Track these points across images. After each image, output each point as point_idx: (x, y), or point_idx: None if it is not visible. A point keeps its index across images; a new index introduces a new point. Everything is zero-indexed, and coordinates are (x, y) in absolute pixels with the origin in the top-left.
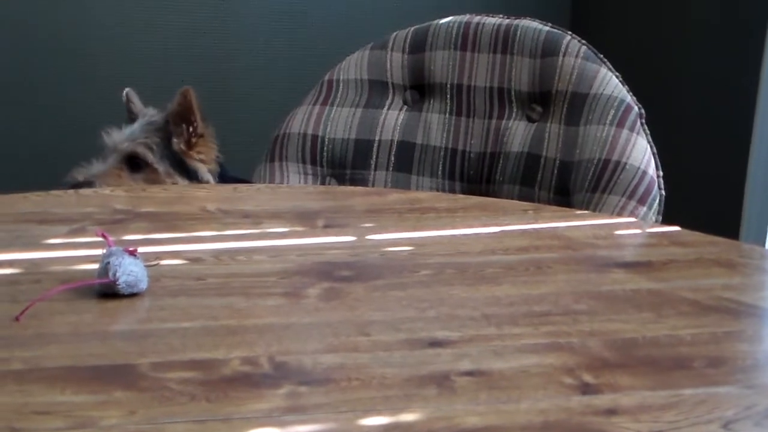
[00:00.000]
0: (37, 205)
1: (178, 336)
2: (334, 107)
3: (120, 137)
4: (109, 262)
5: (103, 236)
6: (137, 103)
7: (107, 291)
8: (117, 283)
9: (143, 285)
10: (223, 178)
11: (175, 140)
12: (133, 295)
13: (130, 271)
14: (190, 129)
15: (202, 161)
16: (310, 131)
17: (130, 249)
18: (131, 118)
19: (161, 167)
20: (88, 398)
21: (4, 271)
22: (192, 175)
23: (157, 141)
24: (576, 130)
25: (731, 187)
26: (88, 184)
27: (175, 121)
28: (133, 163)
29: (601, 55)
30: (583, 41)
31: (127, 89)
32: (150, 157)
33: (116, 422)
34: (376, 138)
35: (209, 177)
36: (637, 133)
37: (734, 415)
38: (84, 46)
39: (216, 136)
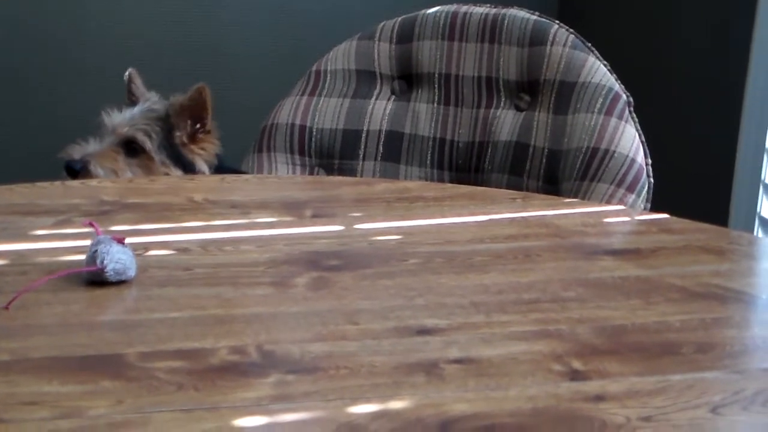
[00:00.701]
0: (24, 197)
1: (165, 326)
2: (322, 97)
3: (119, 119)
4: (97, 250)
5: (91, 225)
6: (140, 86)
7: (95, 279)
8: (105, 270)
9: (131, 272)
10: (220, 169)
11: (177, 133)
12: (120, 284)
13: (118, 259)
14: (198, 125)
15: (201, 155)
16: (298, 121)
17: (118, 237)
18: (132, 99)
19: (158, 157)
20: (76, 388)
21: None
22: (188, 167)
23: (157, 130)
24: (564, 119)
25: (720, 174)
26: (82, 162)
27: (182, 115)
28: (130, 147)
29: (589, 44)
30: (571, 30)
31: (130, 69)
32: (148, 145)
33: (104, 412)
34: (364, 128)
35: (206, 169)
36: (626, 121)
37: (722, 399)
38: (74, 39)
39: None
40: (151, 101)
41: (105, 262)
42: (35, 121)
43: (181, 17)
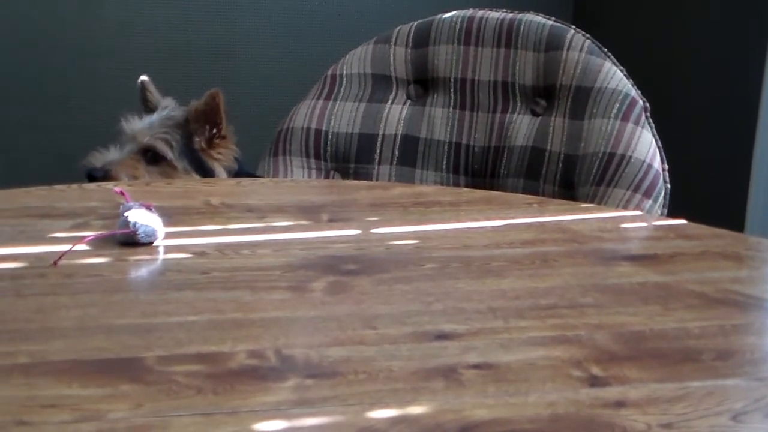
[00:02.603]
0: (41, 200)
1: (184, 329)
2: (338, 102)
3: (138, 127)
4: (129, 215)
5: (122, 193)
6: (155, 93)
7: (128, 240)
8: (137, 233)
9: (159, 235)
10: (239, 174)
11: (196, 139)
12: (139, 285)
13: (147, 223)
14: (214, 130)
15: (219, 161)
16: (313, 125)
17: (146, 204)
18: (148, 107)
19: (179, 164)
20: (95, 391)
21: (8, 266)
22: (209, 173)
23: (177, 138)
24: (580, 124)
25: (736, 179)
26: (104, 171)
27: (199, 120)
28: (151, 155)
29: (605, 49)
30: (587, 35)
31: (142, 78)
32: (169, 154)
33: (123, 415)
34: (380, 132)
35: (224, 174)
36: (642, 127)
37: (743, 407)
38: (86, 42)
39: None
40: (169, 108)
41: (137, 225)
42: (51, 125)
43: (195, 22)
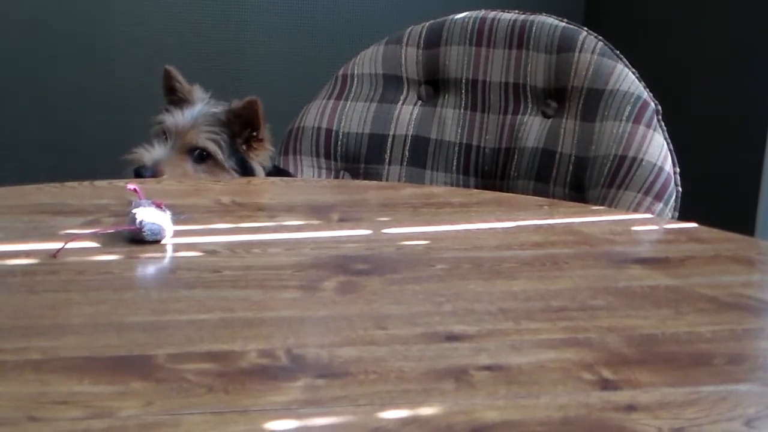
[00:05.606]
0: (53, 197)
1: (195, 328)
2: (349, 101)
3: (182, 122)
4: (136, 213)
5: (135, 190)
6: (183, 83)
7: (134, 237)
8: (143, 230)
9: (166, 233)
10: (270, 171)
11: (238, 140)
12: (150, 282)
13: (154, 221)
14: (254, 134)
15: (257, 160)
16: (324, 125)
17: (157, 202)
18: (176, 96)
19: (228, 164)
20: (106, 388)
21: (20, 262)
22: (250, 172)
23: (225, 138)
24: (592, 126)
25: (747, 183)
26: (153, 170)
27: (237, 123)
28: (198, 153)
29: (617, 51)
30: (600, 37)
31: (167, 66)
32: (220, 155)
33: (134, 413)
34: (391, 132)
35: (263, 174)
36: (654, 130)
37: (756, 412)
38: (97, 40)
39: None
40: (210, 103)
41: (143, 223)
42: (63, 122)
43: (207, 22)
